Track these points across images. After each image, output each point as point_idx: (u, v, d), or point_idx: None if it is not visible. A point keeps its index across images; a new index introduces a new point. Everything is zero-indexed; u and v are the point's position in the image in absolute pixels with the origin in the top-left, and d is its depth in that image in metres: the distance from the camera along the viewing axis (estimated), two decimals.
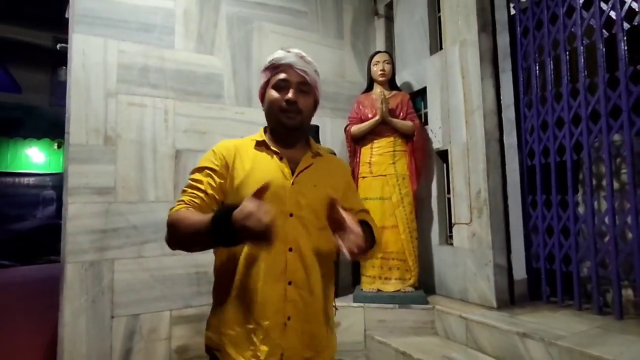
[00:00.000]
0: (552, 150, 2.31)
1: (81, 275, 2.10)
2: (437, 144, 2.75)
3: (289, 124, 1.05)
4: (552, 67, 2.35)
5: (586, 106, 2.14)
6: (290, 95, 1.04)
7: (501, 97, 2.46)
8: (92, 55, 2.23)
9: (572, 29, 2.23)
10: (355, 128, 2.73)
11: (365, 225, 1.07)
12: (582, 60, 2.18)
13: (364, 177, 2.69)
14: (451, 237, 2.63)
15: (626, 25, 1.98)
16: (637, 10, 1.94)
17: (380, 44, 3.30)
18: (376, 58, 2.81)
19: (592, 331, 1.82)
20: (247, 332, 0.96)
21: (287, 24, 2.94)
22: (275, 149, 1.07)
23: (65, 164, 2.20)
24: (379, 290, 2.52)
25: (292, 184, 1.03)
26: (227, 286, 1.00)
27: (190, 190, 1.01)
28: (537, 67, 2.43)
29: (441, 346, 2.14)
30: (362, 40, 3.30)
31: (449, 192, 2.70)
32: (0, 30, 6.73)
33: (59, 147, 8.63)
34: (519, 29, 2.53)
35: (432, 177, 2.79)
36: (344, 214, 0.91)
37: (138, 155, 2.32)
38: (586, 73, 2.16)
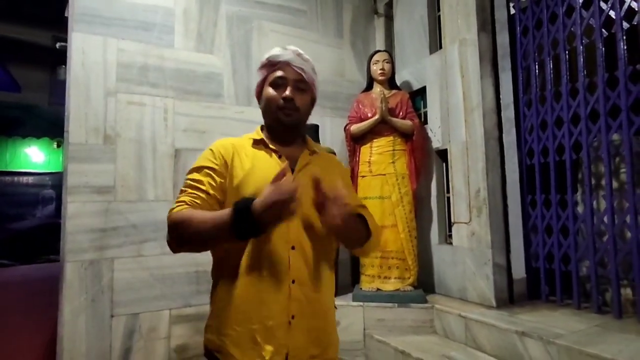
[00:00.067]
0: (551, 150, 2.31)
1: (81, 274, 2.11)
2: (436, 143, 2.75)
3: (286, 121, 1.05)
4: (551, 66, 2.35)
5: (585, 105, 2.14)
6: (287, 93, 1.03)
7: (500, 96, 2.46)
8: (91, 54, 2.23)
9: (572, 29, 2.24)
10: (354, 127, 2.73)
11: (361, 219, 1.08)
12: (582, 59, 2.18)
13: (363, 176, 2.69)
14: (450, 236, 2.64)
15: (625, 25, 1.98)
16: (636, 9, 1.94)
17: (379, 43, 3.30)
18: (376, 57, 2.81)
19: (591, 330, 1.82)
20: (250, 332, 0.94)
21: (287, 23, 2.94)
22: (273, 147, 1.07)
23: (64, 163, 2.20)
24: (378, 289, 2.53)
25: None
26: (228, 286, 0.98)
27: (190, 190, 1.00)
28: (537, 67, 2.43)
29: (440, 345, 2.15)
30: (362, 39, 3.30)
31: (448, 191, 2.70)
32: (0, 29, 6.72)
33: (58, 146, 8.63)
34: (518, 28, 2.53)
35: (431, 176, 2.79)
36: (327, 187, 0.90)
37: (137, 154, 2.32)
38: (585, 72, 2.16)
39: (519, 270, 2.39)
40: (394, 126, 2.64)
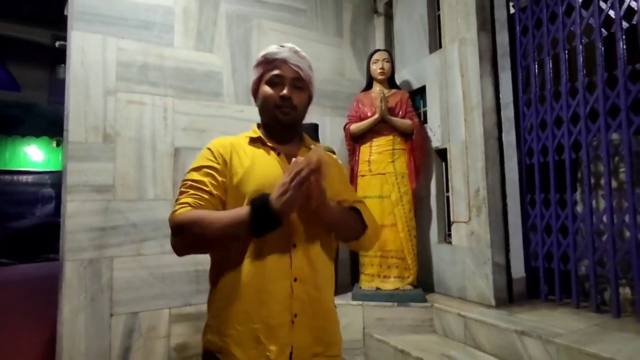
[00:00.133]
0: (550, 149, 2.31)
1: (80, 273, 2.11)
2: (436, 143, 2.75)
3: (284, 120, 1.05)
4: (551, 65, 2.35)
5: (585, 105, 2.14)
6: (285, 91, 1.03)
7: (500, 96, 2.46)
8: (91, 52, 2.23)
9: (572, 28, 2.24)
10: (354, 126, 2.73)
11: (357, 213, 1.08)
12: (581, 59, 2.18)
13: (363, 176, 2.69)
14: (450, 235, 2.64)
15: (625, 24, 1.98)
16: (636, 9, 1.94)
17: (379, 42, 3.30)
18: (375, 56, 2.81)
19: (590, 329, 1.83)
20: (252, 332, 0.93)
21: (287, 21, 2.93)
22: (272, 145, 1.07)
23: (64, 162, 2.20)
24: (377, 288, 2.53)
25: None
26: (229, 286, 0.97)
27: (192, 191, 0.98)
28: (536, 66, 2.43)
29: (440, 344, 2.15)
30: (362, 38, 3.30)
31: (447, 191, 2.70)
32: None
33: (57, 145, 8.61)
34: (518, 27, 2.53)
35: (431, 176, 2.80)
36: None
37: (137, 153, 2.32)
38: (585, 72, 2.16)
39: (518, 269, 2.39)
40: (394, 125, 2.64)
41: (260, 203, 0.89)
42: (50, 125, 7.95)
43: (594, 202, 2.17)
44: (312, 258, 1.00)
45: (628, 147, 1.94)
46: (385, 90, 2.74)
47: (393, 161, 2.63)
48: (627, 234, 1.97)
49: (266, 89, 1.05)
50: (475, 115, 2.41)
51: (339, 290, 2.60)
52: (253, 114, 2.67)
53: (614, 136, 2.09)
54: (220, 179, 1.00)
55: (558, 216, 2.27)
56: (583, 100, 2.15)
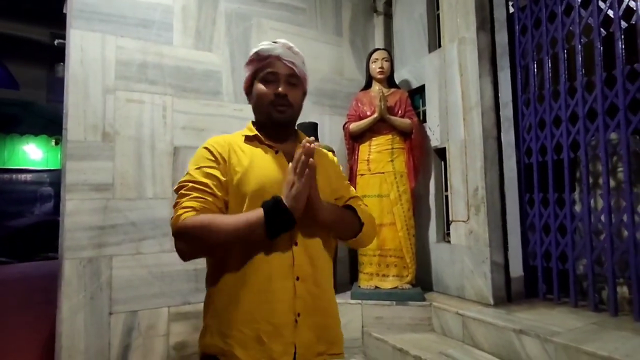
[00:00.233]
0: (549, 148, 2.32)
1: (79, 272, 2.11)
2: (435, 142, 2.75)
3: (280, 118, 1.03)
4: (550, 65, 2.36)
5: (583, 104, 2.15)
6: (280, 89, 1.01)
7: (499, 95, 2.46)
8: (90, 51, 2.23)
9: (571, 27, 2.24)
10: (353, 125, 2.73)
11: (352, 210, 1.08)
12: (580, 58, 2.18)
13: (362, 175, 2.69)
14: (448, 234, 2.65)
15: (624, 24, 1.98)
16: (634, 9, 1.95)
17: (379, 41, 3.30)
18: (375, 55, 2.81)
19: (588, 328, 1.83)
20: (256, 332, 0.91)
21: (286, 20, 2.93)
22: (269, 143, 1.05)
23: (63, 161, 2.19)
24: (376, 287, 2.53)
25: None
26: (230, 287, 0.95)
27: (195, 194, 0.95)
28: (535, 65, 2.44)
29: (438, 343, 2.16)
30: (361, 37, 3.30)
31: (446, 190, 2.71)
32: None
33: (56, 143, 8.60)
34: (517, 27, 2.53)
35: (430, 175, 2.80)
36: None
37: (136, 151, 2.32)
38: (584, 71, 2.17)
39: (516, 268, 2.40)
40: (393, 124, 2.64)
41: (272, 204, 0.90)
42: (49, 123, 7.94)
43: (592, 201, 2.17)
44: (313, 256, 0.99)
45: (626, 146, 1.95)
46: (385, 90, 2.74)
47: (392, 160, 2.63)
48: (625, 233, 1.97)
49: (261, 87, 1.03)
50: (474, 114, 2.41)
51: (338, 289, 2.60)
52: (252, 113, 2.68)
53: (612, 136, 2.09)
54: (222, 178, 0.98)
55: (556, 215, 2.27)
56: (582, 99, 2.15)
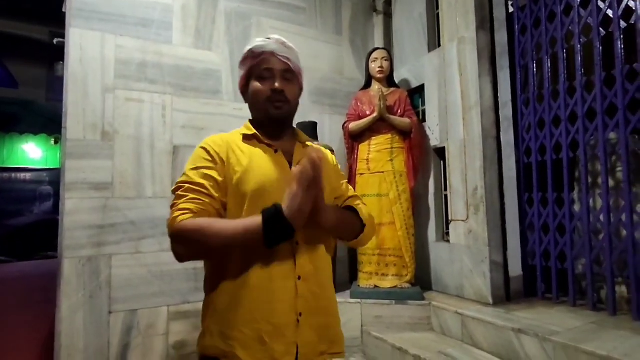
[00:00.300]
0: (548, 148, 2.32)
1: (78, 271, 2.11)
2: (434, 141, 2.76)
3: (277, 114, 1.02)
4: (549, 64, 2.36)
5: (583, 104, 2.15)
6: (277, 85, 1.00)
7: (499, 95, 2.46)
8: (89, 50, 2.23)
9: (570, 27, 2.24)
10: (353, 125, 2.73)
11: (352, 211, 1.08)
12: (579, 58, 2.18)
13: (361, 174, 2.69)
14: (448, 234, 2.65)
15: (623, 24, 1.98)
16: (633, 9, 1.95)
17: (378, 40, 3.30)
18: (374, 55, 2.81)
19: (586, 327, 1.84)
20: (257, 333, 0.91)
21: (286, 19, 2.93)
22: (268, 142, 1.04)
23: (62, 159, 2.19)
24: (375, 286, 2.54)
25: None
26: (231, 288, 0.94)
27: (192, 195, 0.93)
28: (535, 65, 2.44)
29: (437, 342, 2.16)
30: (361, 36, 3.29)
31: (446, 189, 2.71)
32: None
33: (56, 142, 8.59)
34: (517, 26, 2.53)
35: (429, 174, 2.80)
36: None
37: (136, 151, 2.32)
38: (583, 71, 2.17)
39: (515, 267, 2.41)
40: (392, 124, 2.64)
41: (272, 213, 0.87)
42: (48, 122, 7.93)
43: (591, 201, 2.18)
44: (313, 255, 0.99)
45: (625, 146, 1.95)
46: (384, 89, 2.74)
47: (391, 160, 2.63)
48: (624, 232, 1.98)
49: (256, 84, 1.02)
50: (474, 114, 2.42)
51: (337, 288, 2.60)
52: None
53: (612, 135, 2.09)
54: (219, 179, 0.97)
55: (555, 215, 2.28)
56: (581, 99, 2.15)
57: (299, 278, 0.95)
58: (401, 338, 2.20)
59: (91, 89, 2.22)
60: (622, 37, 1.98)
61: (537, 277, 2.36)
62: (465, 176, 2.46)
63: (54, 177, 8.24)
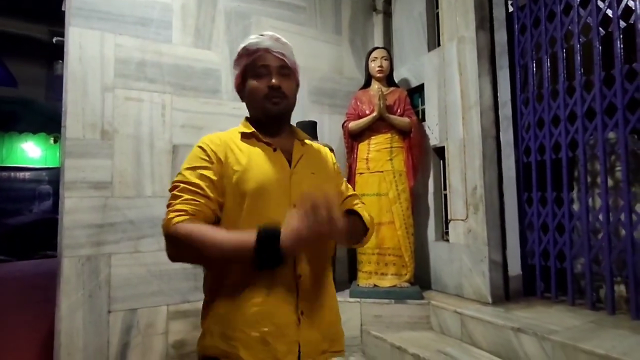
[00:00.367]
0: (547, 148, 2.32)
1: (78, 270, 2.11)
2: (434, 141, 2.76)
3: (275, 110, 1.01)
4: (549, 64, 2.36)
5: (582, 104, 2.15)
6: (273, 80, 0.99)
7: (498, 94, 2.47)
8: (88, 48, 2.22)
9: (569, 27, 2.24)
10: (352, 124, 2.73)
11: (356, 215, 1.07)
12: (579, 57, 2.19)
13: (361, 173, 2.69)
14: (447, 233, 2.65)
15: (622, 24, 1.99)
16: (633, 8, 1.95)
17: (378, 40, 3.30)
18: (374, 54, 2.81)
19: (585, 326, 1.84)
20: (260, 333, 0.90)
21: (286, 19, 2.93)
22: (267, 140, 1.03)
23: (61, 158, 2.19)
24: (375, 285, 2.54)
25: (292, 174, 1.00)
26: (232, 289, 0.94)
27: (188, 196, 0.92)
28: (534, 65, 2.44)
29: (436, 341, 2.17)
30: (360, 36, 3.29)
31: (445, 189, 2.71)
32: None
33: (55, 141, 8.59)
34: (516, 26, 2.53)
35: (428, 174, 2.80)
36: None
37: (135, 150, 2.32)
38: (582, 71, 2.17)
39: (514, 267, 2.41)
40: (392, 123, 2.64)
41: (269, 237, 0.82)
42: (47, 121, 7.93)
43: (590, 200, 2.18)
44: (314, 255, 0.99)
45: (624, 145, 1.95)
46: (384, 88, 2.74)
47: (391, 159, 2.64)
48: (623, 232, 1.98)
49: (253, 82, 1.01)
50: (473, 113, 2.42)
51: (337, 287, 2.60)
52: None
53: (611, 135, 2.10)
54: (215, 179, 0.95)
55: (555, 214, 2.28)
56: (580, 99, 2.16)
57: (300, 277, 0.95)
58: (400, 337, 2.21)
59: (90, 87, 2.22)
60: (621, 36, 1.98)
61: (536, 276, 2.37)
62: (464, 175, 2.47)
63: (54, 176, 8.24)
